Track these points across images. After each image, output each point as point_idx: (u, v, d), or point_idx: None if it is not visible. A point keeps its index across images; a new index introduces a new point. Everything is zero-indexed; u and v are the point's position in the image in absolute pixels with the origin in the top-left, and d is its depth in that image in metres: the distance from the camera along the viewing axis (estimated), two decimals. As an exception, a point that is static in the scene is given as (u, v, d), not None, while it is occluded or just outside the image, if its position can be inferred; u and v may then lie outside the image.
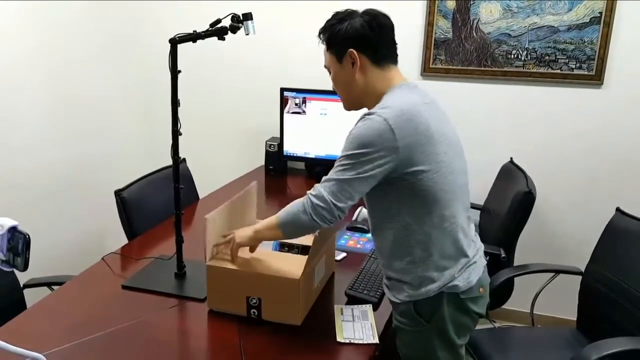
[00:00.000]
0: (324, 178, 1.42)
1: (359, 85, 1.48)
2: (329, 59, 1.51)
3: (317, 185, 1.41)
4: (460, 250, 1.45)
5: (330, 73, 1.53)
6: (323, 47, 1.52)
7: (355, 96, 1.51)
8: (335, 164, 1.40)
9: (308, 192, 1.42)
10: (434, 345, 1.47)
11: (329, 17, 1.50)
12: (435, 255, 1.42)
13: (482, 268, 1.51)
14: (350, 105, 1.56)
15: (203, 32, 1.62)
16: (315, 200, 1.38)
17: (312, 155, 2.98)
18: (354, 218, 2.26)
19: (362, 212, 2.24)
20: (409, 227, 1.42)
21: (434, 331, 1.46)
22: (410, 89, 1.46)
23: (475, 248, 1.52)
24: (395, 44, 1.50)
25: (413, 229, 1.41)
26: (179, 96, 1.70)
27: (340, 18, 1.47)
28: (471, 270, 1.46)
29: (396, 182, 1.38)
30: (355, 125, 1.39)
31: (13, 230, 1.01)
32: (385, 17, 1.48)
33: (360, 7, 1.50)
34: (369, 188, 1.38)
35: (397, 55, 1.50)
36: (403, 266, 1.45)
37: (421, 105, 1.40)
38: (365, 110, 1.47)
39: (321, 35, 1.51)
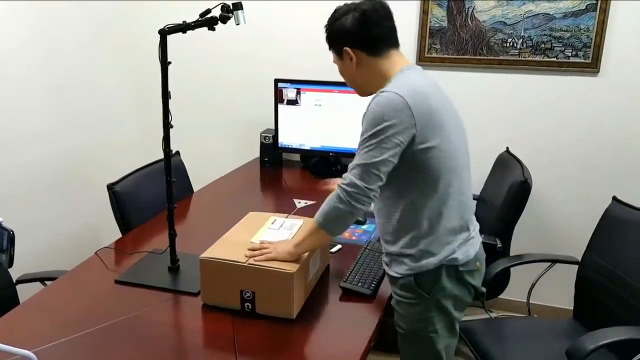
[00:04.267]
0: (350, 165, 1.46)
1: (362, 77, 1.57)
2: (333, 55, 1.61)
3: (345, 175, 1.46)
4: (462, 225, 1.54)
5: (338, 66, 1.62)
6: None
7: (362, 86, 1.61)
8: (359, 145, 1.45)
9: (338, 183, 1.47)
10: (432, 316, 1.53)
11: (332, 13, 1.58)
12: (439, 229, 1.50)
13: (479, 243, 1.61)
14: (362, 93, 1.63)
15: (193, 22, 1.60)
16: (348, 188, 1.43)
17: (307, 147, 2.96)
18: None
19: None
20: (416, 203, 1.48)
21: (433, 302, 1.52)
22: (418, 72, 1.55)
23: (474, 223, 1.62)
24: (394, 30, 1.56)
25: (420, 205, 1.48)
26: (172, 88, 1.68)
27: (336, 17, 1.55)
28: (470, 244, 1.55)
29: (406, 157, 1.43)
30: (370, 104, 1.45)
31: (-2, 226, 1.00)
32: (377, 9, 1.52)
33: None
34: (393, 166, 1.43)
35: (396, 39, 1.56)
36: (407, 240, 1.51)
37: (431, 86, 1.50)
38: None
39: (326, 31, 1.60)
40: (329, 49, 1.62)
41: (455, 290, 1.54)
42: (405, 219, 1.51)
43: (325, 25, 1.60)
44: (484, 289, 2.11)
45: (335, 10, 1.58)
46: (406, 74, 1.51)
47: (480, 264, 1.60)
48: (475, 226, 1.63)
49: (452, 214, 1.51)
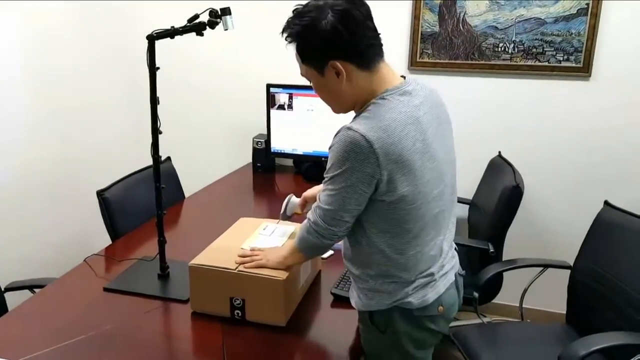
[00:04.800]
0: (315, 203, 1.37)
1: (347, 94, 1.33)
2: (306, 70, 1.35)
3: (312, 210, 1.38)
4: (420, 272, 1.37)
5: (309, 81, 1.38)
6: (292, 49, 1.34)
7: (343, 104, 1.38)
8: (324, 181, 1.33)
9: (308, 215, 1.40)
10: (390, 353, 1.43)
11: (291, 15, 1.31)
12: (391, 274, 1.36)
13: (445, 286, 1.42)
14: (339, 112, 1.42)
15: (180, 27, 1.58)
16: (314, 227, 1.37)
17: (299, 152, 2.96)
18: (282, 211, 1.84)
19: (292, 201, 1.84)
20: (372, 243, 1.35)
21: (389, 342, 1.41)
22: (403, 95, 1.30)
23: (440, 266, 1.41)
24: (378, 33, 1.31)
25: (375, 246, 1.35)
26: (165, 94, 1.67)
27: (308, 22, 1.27)
28: (430, 288, 1.38)
29: (369, 204, 1.30)
30: (335, 137, 1.28)
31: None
32: (358, 6, 1.27)
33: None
34: (358, 211, 1.31)
35: (381, 46, 1.33)
36: (359, 273, 1.41)
37: (413, 122, 1.27)
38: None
39: (288, 39, 1.32)
40: (301, 63, 1.34)
41: (414, 333, 1.40)
42: (357, 252, 1.40)
43: (291, 32, 1.30)
44: (476, 295, 2.12)
45: (300, 14, 1.28)
46: (386, 104, 1.28)
47: (446, 309, 1.41)
48: (444, 267, 1.43)
49: (410, 263, 1.35)
